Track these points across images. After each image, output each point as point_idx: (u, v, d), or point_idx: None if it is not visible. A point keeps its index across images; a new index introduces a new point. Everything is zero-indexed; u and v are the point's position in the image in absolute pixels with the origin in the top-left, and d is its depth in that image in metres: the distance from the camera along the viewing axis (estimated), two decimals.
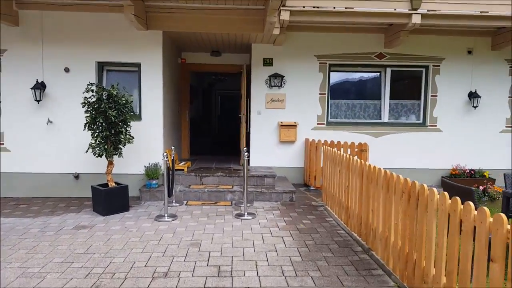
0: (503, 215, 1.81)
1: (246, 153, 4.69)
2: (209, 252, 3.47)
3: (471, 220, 2.03)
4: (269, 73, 6.55)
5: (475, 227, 2.01)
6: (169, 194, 4.78)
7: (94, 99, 4.87)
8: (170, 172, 5.03)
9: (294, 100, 6.61)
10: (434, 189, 2.39)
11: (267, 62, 6.56)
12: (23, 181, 5.70)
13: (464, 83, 6.70)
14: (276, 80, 6.52)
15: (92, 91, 4.87)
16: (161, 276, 2.96)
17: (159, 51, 5.75)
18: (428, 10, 5.46)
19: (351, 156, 3.94)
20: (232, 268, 3.11)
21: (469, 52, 6.67)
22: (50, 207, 5.15)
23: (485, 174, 6.59)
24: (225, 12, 5.57)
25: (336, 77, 6.82)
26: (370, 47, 6.58)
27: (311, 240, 3.79)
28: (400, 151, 6.66)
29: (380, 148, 6.56)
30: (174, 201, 5.24)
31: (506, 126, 6.77)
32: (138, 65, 5.80)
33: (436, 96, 6.72)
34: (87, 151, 4.95)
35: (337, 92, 6.79)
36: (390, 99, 6.76)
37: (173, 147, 5.40)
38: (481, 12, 5.47)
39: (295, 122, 6.56)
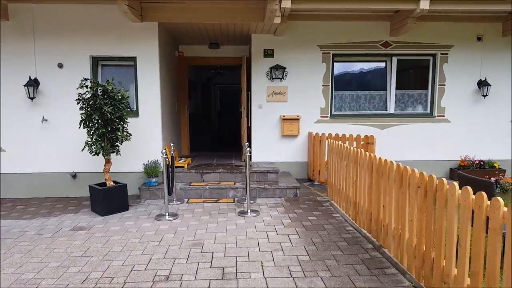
0: None
1: (248, 149, 4.50)
2: (212, 252, 3.31)
3: (499, 218, 1.84)
4: (270, 64, 6.33)
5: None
6: (169, 193, 4.61)
7: (88, 95, 4.69)
8: (170, 170, 4.86)
9: (296, 92, 6.40)
10: (455, 183, 2.20)
11: (268, 53, 6.33)
12: (19, 181, 5.53)
13: (473, 71, 6.46)
14: (278, 72, 6.29)
15: (87, 86, 4.68)
16: (162, 280, 2.80)
17: (155, 43, 5.53)
18: None
19: (359, 150, 3.75)
20: (236, 270, 2.94)
21: (479, 38, 6.42)
22: (47, 207, 4.99)
23: (495, 165, 6.39)
24: (223, 1, 5.33)
25: (340, 67, 6.59)
26: (375, 36, 6.33)
27: (318, 238, 3.62)
28: (407, 143, 6.46)
29: (386, 141, 6.35)
30: (174, 200, 5.07)
31: None
32: (133, 59, 5.59)
33: (444, 85, 6.49)
34: (83, 149, 4.76)
35: (341, 83, 6.57)
36: (396, 89, 6.53)
37: (172, 144, 5.22)
38: None
39: (297, 116, 6.35)
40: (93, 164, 5.45)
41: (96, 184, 4.84)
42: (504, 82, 6.46)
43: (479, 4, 5.32)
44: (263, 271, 2.91)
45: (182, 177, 5.57)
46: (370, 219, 3.46)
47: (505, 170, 6.27)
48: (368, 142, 5.54)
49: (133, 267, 3.04)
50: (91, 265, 3.08)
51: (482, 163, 6.35)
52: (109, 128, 4.72)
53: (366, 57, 6.51)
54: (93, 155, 4.75)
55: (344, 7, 5.45)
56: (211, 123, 11.48)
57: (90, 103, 4.66)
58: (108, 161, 4.88)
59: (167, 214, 4.39)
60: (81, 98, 4.69)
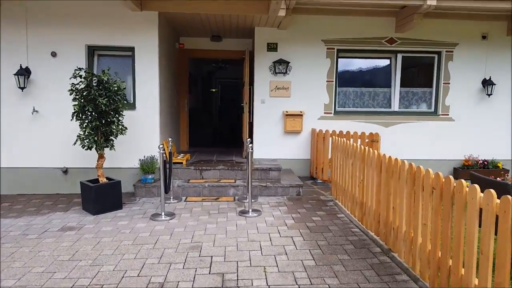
0: None
1: (250, 145, 4.30)
2: (211, 256, 3.11)
3: None
4: (273, 59, 6.12)
5: None
6: (166, 190, 4.40)
7: (82, 86, 4.46)
8: (167, 166, 4.65)
9: (300, 87, 6.20)
10: (476, 186, 2.02)
11: (272, 47, 6.12)
12: (6, 176, 5.27)
13: (478, 70, 6.31)
14: (281, 66, 6.09)
15: (81, 76, 4.44)
16: None
17: (155, 33, 5.29)
18: None
19: (366, 148, 3.57)
20: (238, 276, 2.75)
21: (484, 37, 6.27)
22: (35, 205, 4.75)
23: (498, 165, 6.27)
24: None
25: (344, 63, 6.40)
26: (380, 32, 6.15)
27: (323, 240, 3.44)
28: (410, 141, 6.31)
29: (390, 138, 6.18)
30: (172, 198, 4.87)
31: None
32: (132, 49, 5.35)
33: (449, 83, 6.33)
34: (75, 143, 4.53)
35: (345, 79, 6.38)
36: (400, 86, 6.36)
37: (170, 139, 5.00)
38: None
39: (301, 111, 6.16)
40: (86, 159, 5.22)
41: (88, 181, 4.61)
42: (508, 81, 6.34)
43: (485, 1, 5.16)
44: (266, 278, 2.72)
45: (180, 173, 5.36)
46: (378, 221, 3.29)
47: (508, 170, 6.16)
48: (373, 140, 5.37)
49: (125, 273, 2.83)
50: (79, 271, 2.87)
51: (486, 162, 6.22)
52: (103, 121, 4.51)
53: (371, 53, 6.33)
54: (86, 149, 4.52)
55: (350, 2, 5.26)
56: (212, 118, 11.26)
57: (84, 94, 4.44)
58: (101, 156, 4.65)
59: (163, 213, 4.19)
60: (74, 89, 4.46)
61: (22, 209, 4.56)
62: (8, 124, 5.24)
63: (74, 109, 4.43)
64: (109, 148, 4.66)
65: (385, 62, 6.46)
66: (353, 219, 3.95)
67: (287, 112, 6.13)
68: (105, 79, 4.47)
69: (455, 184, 2.20)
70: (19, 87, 5.13)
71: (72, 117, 4.46)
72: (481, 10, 5.85)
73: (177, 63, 6.99)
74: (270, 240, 3.45)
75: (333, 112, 6.28)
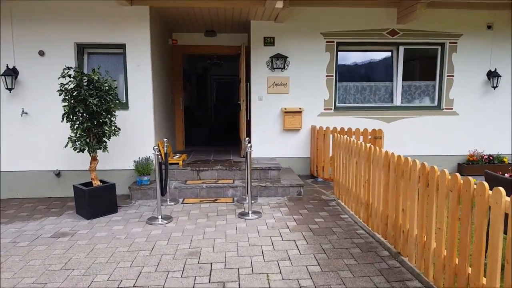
0: None
1: (249, 145, 4.12)
2: (211, 263, 2.94)
3: None
4: (270, 54, 5.91)
5: None
6: (163, 193, 4.22)
7: (72, 86, 4.25)
8: (163, 167, 4.46)
9: (298, 83, 6.00)
10: (501, 189, 1.85)
11: (268, 41, 5.91)
12: None
13: (483, 62, 6.13)
14: (279, 61, 5.88)
15: (70, 76, 4.24)
16: None
17: (146, 29, 5.07)
18: None
19: (371, 146, 3.39)
20: (239, 285, 2.58)
21: (489, 27, 6.08)
22: (27, 210, 4.57)
23: (504, 159, 6.12)
24: None
25: (344, 57, 6.20)
26: (381, 23, 5.95)
27: (328, 244, 3.28)
28: (413, 137, 6.14)
29: (392, 134, 6.01)
30: (168, 200, 4.68)
31: None
32: (123, 46, 5.13)
33: (453, 76, 6.15)
34: (66, 145, 4.34)
35: (345, 73, 6.19)
36: (403, 80, 6.18)
37: (165, 139, 4.81)
38: None
39: (300, 108, 5.97)
40: (79, 161, 5.02)
41: (81, 184, 4.42)
42: None
43: None
44: (269, 287, 2.55)
45: (177, 174, 5.18)
46: (385, 223, 3.12)
47: None
48: (376, 137, 5.20)
49: (120, 283, 2.66)
50: (71, 281, 2.69)
51: (491, 158, 6.07)
52: (95, 122, 4.31)
53: (372, 46, 6.14)
54: (78, 152, 4.33)
55: None
56: (208, 116, 11.06)
57: (74, 94, 4.24)
58: (94, 159, 4.46)
59: (160, 217, 4.01)
60: (63, 89, 4.25)
61: (13, 214, 4.37)
62: None
63: (64, 110, 4.24)
64: (102, 150, 4.47)
65: (387, 55, 6.27)
66: (357, 220, 3.78)
67: (285, 109, 5.95)
68: (96, 78, 4.26)
69: (475, 186, 2.02)
70: (7, 88, 4.92)
71: (63, 119, 4.27)
72: None
73: (171, 60, 6.77)
74: (272, 244, 3.28)
75: (333, 108, 6.10)
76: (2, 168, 5.09)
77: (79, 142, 4.27)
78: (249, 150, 4.10)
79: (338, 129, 5.42)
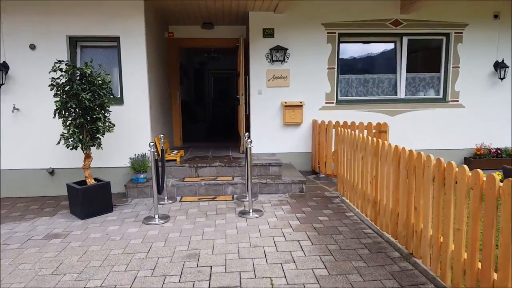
0: None
1: (248, 140, 3.93)
2: (211, 267, 2.77)
3: None
4: (270, 46, 5.70)
5: None
6: (159, 191, 4.04)
7: (63, 80, 4.06)
8: (160, 165, 4.28)
9: (299, 76, 5.80)
10: None
11: (268, 33, 5.69)
12: None
13: (489, 52, 5.94)
14: (278, 53, 5.67)
15: (61, 70, 4.03)
16: None
17: (141, 21, 4.85)
18: None
19: (379, 140, 3.21)
20: None
21: (496, 16, 5.88)
22: (20, 209, 4.39)
23: None
24: None
25: (346, 48, 6.00)
26: (384, 13, 5.74)
27: (334, 244, 3.11)
28: (418, 131, 5.96)
29: (396, 128, 5.82)
30: (166, 198, 4.51)
31: None
32: (117, 39, 4.92)
33: (458, 67, 5.96)
34: (58, 142, 4.14)
35: (347, 66, 5.99)
36: (406, 72, 5.98)
37: (162, 135, 4.62)
38: None
39: (300, 102, 5.78)
40: (73, 158, 4.83)
41: (75, 183, 4.24)
42: None
43: None
44: None
45: (174, 172, 4.99)
46: (396, 222, 2.95)
47: None
48: (381, 131, 5.02)
49: None
50: (62, 287, 2.52)
51: (499, 151, 5.91)
52: (88, 118, 4.11)
53: (374, 37, 5.93)
54: (70, 149, 4.14)
55: None
56: (206, 111, 10.86)
57: (66, 89, 4.04)
58: (88, 156, 4.27)
59: (156, 216, 3.83)
60: (55, 84, 4.06)
61: (5, 214, 4.20)
62: None
63: (56, 106, 4.05)
64: (96, 147, 4.28)
65: (390, 46, 6.07)
66: (364, 219, 3.62)
67: (286, 103, 5.75)
68: (88, 72, 4.06)
69: (500, 185, 1.84)
70: None
71: (54, 115, 4.08)
72: None
73: (167, 54, 6.55)
74: (275, 245, 3.12)
75: (335, 101, 5.91)
76: None
77: (72, 139, 4.09)
78: (249, 146, 3.92)
79: (341, 123, 5.24)
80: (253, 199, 4.31)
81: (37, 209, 4.38)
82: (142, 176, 4.79)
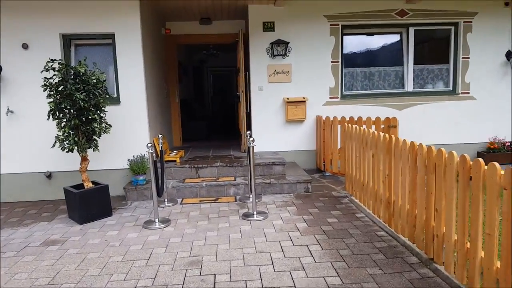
0: None
1: (251, 139, 3.73)
2: (215, 275, 2.59)
3: None
4: (270, 40, 5.48)
5: None
6: (159, 194, 3.86)
7: (56, 80, 3.87)
8: (159, 166, 4.10)
9: (301, 71, 5.58)
10: None
11: (268, 26, 5.47)
12: None
13: (501, 41, 5.70)
14: (280, 48, 5.45)
15: (54, 69, 3.85)
16: None
17: (136, 17, 4.65)
18: None
19: (392, 136, 3.01)
20: None
21: (506, 4, 5.64)
22: (18, 215, 4.23)
23: None
24: None
25: (350, 41, 5.77)
26: (389, 3, 5.50)
27: (346, 249, 2.91)
28: (427, 125, 5.73)
29: (404, 123, 5.58)
30: (166, 200, 4.32)
31: None
32: (111, 36, 4.73)
33: (468, 58, 5.72)
34: (53, 145, 3.97)
35: (351, 59, 5.77)
36: (414, 64, 5.75)
37: (160, 135, 4.43)
38: None
39: (303, 98, 5.57)
40: (71, 161, 4.66)
41: (72, 186, 4.07)
42: None
43: None
44: None
45: (174, 173, 4.81)
46: (413, 224, 2.75)
47: None
48: (390, 126, 4.80)
49: None
50: None
51: None
52: (83, 119, 3.93)
53: (379, 28, 5.70)
54: (66, 152, 3.96)
55: None
56: (205, 110, 10.66)
57: (59, 89, 3.86)
58: (84, 159, 4.09)
59: (157, 220, 3.65)
60: (47, 84, 3.88)
61: (3, 220, 4.06)
62: None
63: (50, 107, 3.88)
64: (92, 149, 4.10)
65: (396, 37, 5.83)
66: (376, 220, 3.42)
67: (288, 99, 5.54)
68: (82, 70, 3.88)
69: None
70: None
71: (48, 116, 3.91)
72: None
73: (165, 51, 6.34)
74: (282, 251, 2.92)
75: (339, 96, 5.69)
76: None
77: (67, 142, 3.92)
78: (251, 145, 3.72)
79: (347, 119, 5.03)
80: (256, 200, 4.12)
81: (35, 214, 4.22)
82: (141, 178, 4.61)
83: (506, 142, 5.68)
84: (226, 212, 3.93)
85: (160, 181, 3.98)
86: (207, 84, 11.21)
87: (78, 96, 3.77)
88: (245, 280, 2.49)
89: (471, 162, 2.06)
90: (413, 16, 5.56)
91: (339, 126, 4.99)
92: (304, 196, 4.41)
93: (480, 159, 2.00)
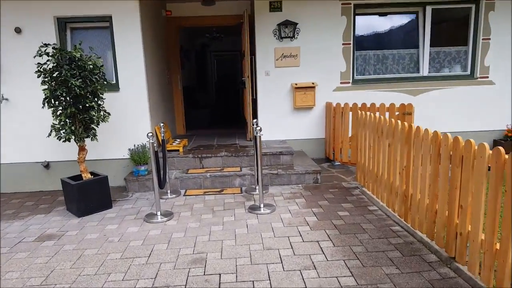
0: None
1: (257, 128, 3.50)
2: (219, 274, 2.42)
3: None
4: (277, 20, 5.15)
5: None
6: (161, 185, 3.68)
7: (51, 65, 3.65)
8: (161, 156, 3.91)
9: (310, 54, 5.27)
10: None
11: (275, 6, 5.13)
12: None
13: None
14: (287, 29, 5.13)
15: (47, 54, 3.62)
16: None
17: None
18: None
19: (412, 125, 2.76)
20: None
21: None
22: (14, 206, 4.11)
23: None
24: None
25: (362, 21, 5.41)
26: None
27: (359, 245, 2.72)
28: (443, 111, 5.43)
29: (419, 109, 5.26)
30: (169, 192, 4.15)
31: None
32: (109, 19, 4.46)
33: (489, 39, 5.34)
34: (49, 135, 3.79)
35: (364, 41, 5.43)
36: (430, 46, 5.39)
37: (162, 124, 4.22)
38: None
39: (312, 83, 5.28)
40: (69, 150, 4.50)
41: (70, 177, 3.91)
42: None
43: None
44: None
45: (177, 163, 4.62)
46: (433, 220, 2.54)
47: None
48: (405, 112, 4.52)
49: None
50: None
51: None
52: (80, 107, 3.73)
53: (394, 7, 5.32)
54: (63, 141, 3.79)
55: None
56: (209, 96, 10.39)
57: (54, 75, 3.64)
58: (82, 149, 3.91)
59: (159, 213, 3.49)
60: (41, 70, 3.66)
61: None
62: None
63: (45, 94, 3.67)
64: (90, 138, 3.91)
65: (411, 17, 5.46)
66: (391, 214, 3.21)
67: (296, 84, 5.26)
68: (78, 55, 3.65)
69: None
70: None
71: (43, 104, 3.71)
72: None
73: (166, 35, 6.04)
74: (292, 248, 2.74)
75: (351, 81, 5.39)
76: None
77: (63, 131, 3.74)
78: (258, 134, 3.50)
79: (359, 105, 4.75)
80: (263, 191, 3.93)
81: (32, 206, 4.09)
82: (143, 168, 4.44)
83: None
84: (231, 205, 3.76)
85: (162, 172, 3.81)
86: (211, 69, 10.89)
87: (73, 82, 3.56)
88: (253, 281, 2.32)
89: (506, 156, 1.81)
90: None
91: (351, 113, 4.72)
92: (313, 187, 4.21)
93: None
